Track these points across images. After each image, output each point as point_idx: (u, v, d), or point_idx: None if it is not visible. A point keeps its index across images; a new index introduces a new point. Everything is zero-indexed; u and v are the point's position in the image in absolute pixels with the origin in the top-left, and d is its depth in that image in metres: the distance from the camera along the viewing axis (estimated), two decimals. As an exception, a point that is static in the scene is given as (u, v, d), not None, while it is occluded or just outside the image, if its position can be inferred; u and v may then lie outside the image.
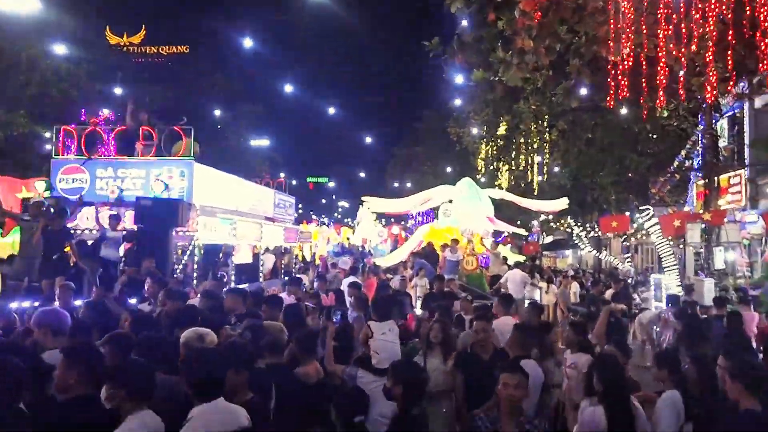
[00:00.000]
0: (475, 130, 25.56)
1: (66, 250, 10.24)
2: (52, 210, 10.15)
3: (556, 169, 26.90)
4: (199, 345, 4.36)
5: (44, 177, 13.74)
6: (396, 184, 48.72)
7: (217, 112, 37.69)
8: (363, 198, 25.38)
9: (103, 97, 27.18)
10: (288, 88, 28.86)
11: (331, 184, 64.68)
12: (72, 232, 10.94)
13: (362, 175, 56.74)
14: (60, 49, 24.87)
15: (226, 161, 28.37)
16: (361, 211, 31.92)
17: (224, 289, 10.64)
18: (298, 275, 16.05)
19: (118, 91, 27.07)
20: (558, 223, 35.74)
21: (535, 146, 24.57)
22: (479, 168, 27.88)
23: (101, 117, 14.40)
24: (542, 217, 36.53)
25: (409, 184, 44.59)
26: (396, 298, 8.67)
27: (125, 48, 45.45)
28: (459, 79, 15.25)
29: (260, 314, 6.86)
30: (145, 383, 3.55)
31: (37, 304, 8.79)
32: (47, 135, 21.78)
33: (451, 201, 21.49)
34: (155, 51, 49.47)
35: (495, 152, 26.46)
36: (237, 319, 6.38)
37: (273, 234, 17.16)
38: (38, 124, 22.54)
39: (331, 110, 33.87)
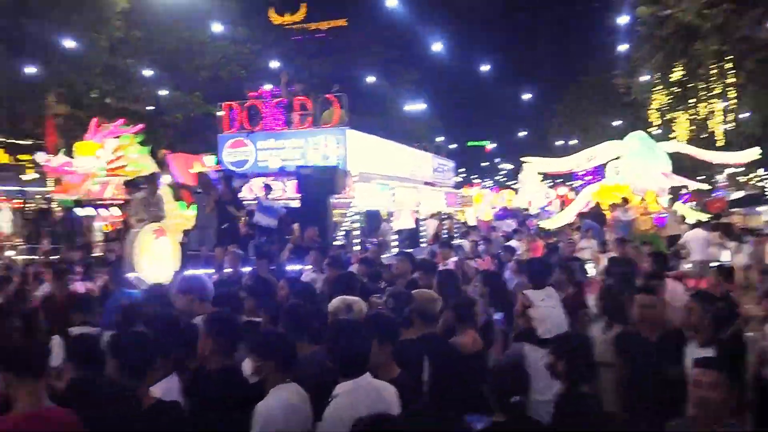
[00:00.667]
0: (645, 79, 23.46)
1: (241, 219, 10.84)
2: (220, 183, 10.68)
3: (744, 115, 23.96)
4: (346, 315, 4.17)
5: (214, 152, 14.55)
6: (559, 143, 46.56)
7: (375, 80, 38.13)
8: (523, 159, 24.63)
9: (268, 74, 28.49)
10: (444, 51, 28.28)
11: (492, 146, 63.26)
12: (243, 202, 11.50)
13: (524, 134, 54.66)
14: (227, 32, 26.31)
15: (385, 128, 28.65)
16: (524, 172, 30.97)
17: (386, 255, 10.73)
18: (457, 240, 15.76)
19: (276, 65, 28.18)
20: (748, 177, 32.07)
21: (716, 91, 22.04)
22: (652, 120, 25.64)
23: (261, 91, 14.95)
24: (729, 171, 33.00)
25: (573, 142, 42.39)
26: (565, 263, 7.97)
27: (288, 26, 47.56)
28: (624, 19, 13.86)
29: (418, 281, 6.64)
30: (290, 354, 3.42)
31: (211, 271, 9.33)
32: (219, 114, 23.35)
33: (619, 157, 20.11)
34: (315, 27, 51.27)
35: (669, 101, 24.17)
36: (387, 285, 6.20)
37: (433, 199, 17.03)
38: (211, 104, 24.13)
39: (488, 69, 32.69)
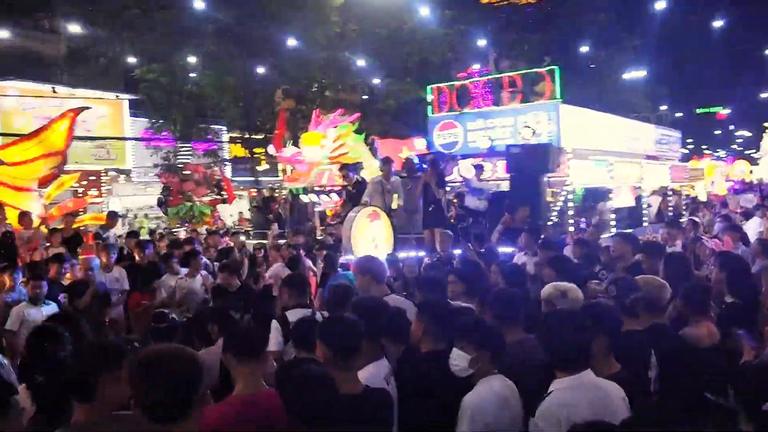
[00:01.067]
0: None
1: (453, 201, 10.87)
2: (426, 165, 10.79)
3: None
4: (560, 302, 3.89)
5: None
6: (813, 103, 40.38)
7: (589, 50, 36.07)
8: (766, 125, 21.80)
9: (476, 54, 28.28)
10: (667, 8, 25.58)
11: (726, 112, 56.64)
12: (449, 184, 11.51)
13: (765, 96, 48.11)
14: (434, 16, 26.54)
15: (602, 100, 27.09)
16: (767, 139, 27.41)
17: (605, 235, 10.08)
18: (685, 218, 14.36)
19: (484, 44, 27.82)
20: None
21: None
22: None
23: (469, 71, 14.86)
24: None
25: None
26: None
27: (496, 3, 46.93)
28: None
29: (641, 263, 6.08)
30: (503, 345, 3.24)
31: (422, 253, 9.48)
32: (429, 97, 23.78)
33: None
34: (525, 1, 49.97)
35: None
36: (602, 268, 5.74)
37: (656, 173, 15.79)
38: (421, 88, 24.62)
39: (721, 24, 28.94)
